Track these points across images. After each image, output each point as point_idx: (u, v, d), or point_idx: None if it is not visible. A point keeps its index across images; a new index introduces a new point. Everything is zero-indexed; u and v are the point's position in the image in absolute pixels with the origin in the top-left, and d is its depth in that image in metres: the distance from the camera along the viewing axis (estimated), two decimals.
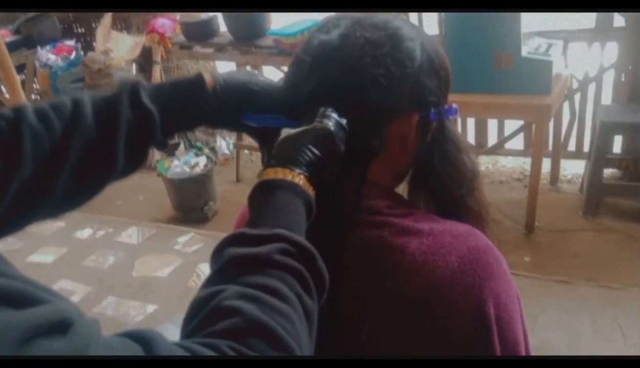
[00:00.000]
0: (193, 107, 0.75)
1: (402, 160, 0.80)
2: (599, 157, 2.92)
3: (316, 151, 0.67)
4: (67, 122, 0.69)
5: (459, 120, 3.64)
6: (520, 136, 3.56)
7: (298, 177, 0.64)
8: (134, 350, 0.46)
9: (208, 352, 0.48)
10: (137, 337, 0.47)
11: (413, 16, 3.57)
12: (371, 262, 0.72)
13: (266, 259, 0.56)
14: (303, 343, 0.54)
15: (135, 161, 0.74)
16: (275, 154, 0.67)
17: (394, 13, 0.81)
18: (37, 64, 4.41)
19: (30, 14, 4.64)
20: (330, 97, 0.71)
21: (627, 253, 2.63)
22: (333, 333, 0.69)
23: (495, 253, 0.74)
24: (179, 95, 0.75)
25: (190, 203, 3.44)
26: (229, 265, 0.57)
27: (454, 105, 0.80)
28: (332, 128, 0.69)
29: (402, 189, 0.85)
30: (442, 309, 0.70)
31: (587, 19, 3.33)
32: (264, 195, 0.63)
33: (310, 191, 0.65)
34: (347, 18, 0.76)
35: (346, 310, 0.71)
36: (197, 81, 0.75)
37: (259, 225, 0.60)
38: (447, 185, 0.80)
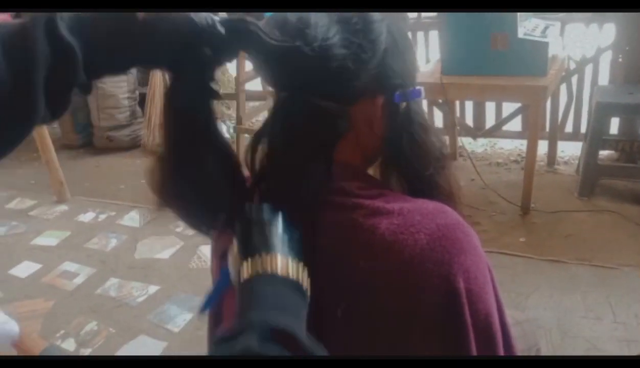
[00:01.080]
0: (121, 40, 0.64)
1: (370, 142, 0.82)
2: (595, 138, 2.94)
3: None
4: None
5: (457, 103, 3.65)
6: (519, 118, 3.57)
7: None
8: None
9: None
10: None
11: None
12: (344, 243, 0.75)
13: None
14: None
15: (57, 108, 0.62)
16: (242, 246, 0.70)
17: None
18: None
19: None
20: (296, 71, 0.73)
21: (620, 233, 2.66)
22: (312, 312, 0.71)
23: (464, 228, 0.77)
24: (105, 27, 0.63)
25: None
26: None
27: (419, 88, 0.82)
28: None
29: (374, 170, 0.89)
30: (413, 286, 0.73)
31: None
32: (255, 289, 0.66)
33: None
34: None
35: (323, 290, 0.75)
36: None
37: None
38: (416, 166, 0.83)
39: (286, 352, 0.58)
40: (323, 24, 0.73)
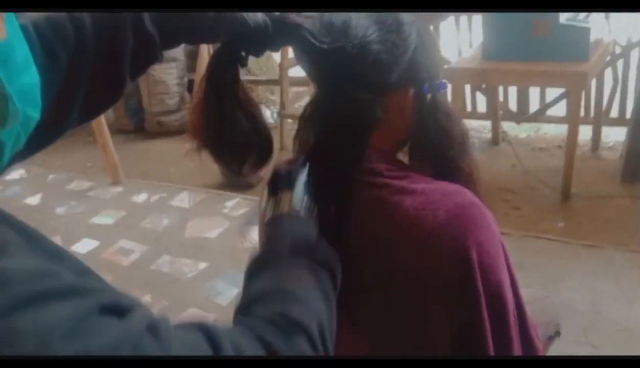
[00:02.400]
0: (190, 22, 0.80)
1: (400, 129, 0.93)
2: (638, 124, 2.91)
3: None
4: (72, 52, 0.72)
5: (501, 88, 3.65)
6: (563, 103, 3.55)
7: None
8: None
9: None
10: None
11: None
12: (372, 217, 0.86)
13: None
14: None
15: (137, 78, 0.84)
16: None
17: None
18: None
19: None
20: (339, 66, 0.83)
21: None
22: (344, 274, 0.83)
23: (480, 208, 0.87)
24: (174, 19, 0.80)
25: None
26: None
27: (444, 81, 0.93)
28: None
29: (403, 155, 0.98)
30: (431, 256, 0.83)
31: None
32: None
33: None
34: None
35: (353, 256, 0.86)
36: None
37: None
38: (440, 149, 0.93)
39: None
40: (363, 24, 0.83)
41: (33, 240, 0.54)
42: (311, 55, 0.85)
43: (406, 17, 0.87)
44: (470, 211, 0.85)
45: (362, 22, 0.83)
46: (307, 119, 0.91)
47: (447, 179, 0.91)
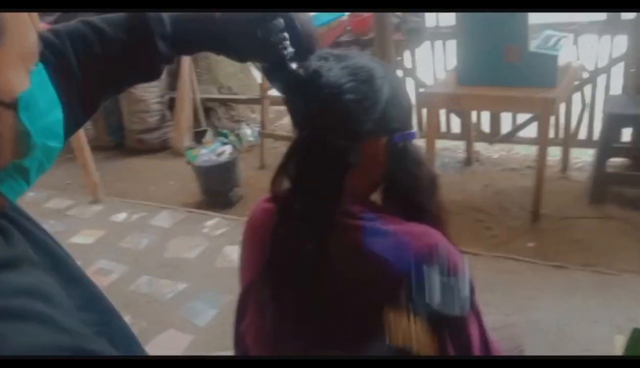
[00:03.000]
0: (201, 30, 0.90)
1: (374, 173, 1.00)
2: (604, 147, 3.04)
3: None
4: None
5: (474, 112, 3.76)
6: (535, 124, 3.66)
7: None
8: None
9: None
10: None
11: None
12: (346, 256, 0.93)
13: None
14: None
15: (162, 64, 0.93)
16: None
17: (368, 55, 1.00)
18: None
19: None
20: (319, 114, 0.91)
21: (627, 240, 2.76)
22: (320, 311, 0.90)
23: (446, 246, 0.94)
24: (193, 20, 0.90)
25: (216, 189, 3.67)
26: None
27: (414, 131, 1.00)
28: None
29: (377, 196, 1.05)
30: (402, 293, 0.90)
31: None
32: None
33: None
34: (333, 55, 0.96)
35: (328, 294, 0.93)
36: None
37: None
38: (410, 193, 1.00)
39: None
40: (335, 74, 0.90)
41: (55, 261, 0.63)
42: (292, 99, 0.93)
43: (378, 71, 0.94)
44: (438, 251, 0.91)
45: (334, 72, 0.91)
46: (286, 163, 0.97)
47: (416, 219, 0.98)
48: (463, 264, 0.94)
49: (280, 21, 0.86)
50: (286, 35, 0.87)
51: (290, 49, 0.88)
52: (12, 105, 0.56)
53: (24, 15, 0.58)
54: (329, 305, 0.92)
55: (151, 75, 0.92)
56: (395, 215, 1.00)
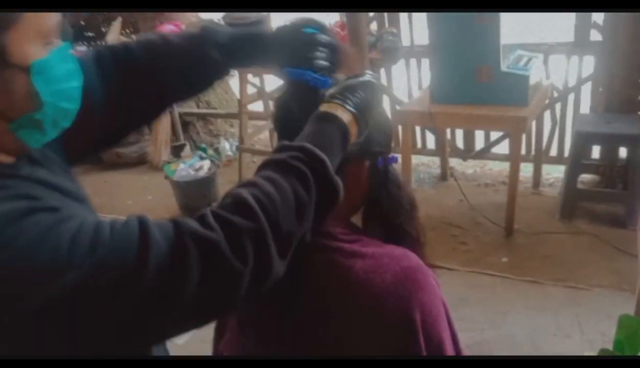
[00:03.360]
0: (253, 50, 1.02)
1: (356, 195, 1.03)
2: (574, 164, 3.13)
3: (364, 96, 0.90)
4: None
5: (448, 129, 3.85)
6: (507, 140, 3.75)
7: (345, 113, 0.86)
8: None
9: (192, 222, 0.72)
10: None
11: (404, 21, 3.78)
12: (326, 278, 0.96)
13: (281, 160, 0.78)
14: (280, 218, 0.73)
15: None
16: (335, 94, 0.89)
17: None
18: None
19: None
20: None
21: (596, 255, 2.85)
22: (299, 331, 0.92)
23: (423, 270, 0.97)
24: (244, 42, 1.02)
25: (195, 204, 3.67)
26: (263, 164, 0.82)
27: (395, 155, 1.04)
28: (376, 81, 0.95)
29: (358, 218, 1.09)
30: (379, 316, 0.93)
31: (567, 33, 3.52)
32: (315, 122, 0.86)
33: (352, 125, 0.86)
34: None
35: (307, 314, 0.95)
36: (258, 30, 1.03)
37: (300, 141, 0.82)
38: (389, 215, 1.03)
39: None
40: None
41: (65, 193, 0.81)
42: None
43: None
44: (414, 275, 0.94)
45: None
46: None
47: (395, 241, 1.01)
48: (437, 287, 0.98)
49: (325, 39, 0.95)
50: (325, 51, 0.96)
51: (324, 63, 0.95)
52: (26, 69, 0.70)
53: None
54: (307, 326, 0.95)
55: (203, 84, 1.05)
56: (375, 236, 1.04)
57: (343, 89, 0.90)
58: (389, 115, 4.30)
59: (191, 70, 1.01)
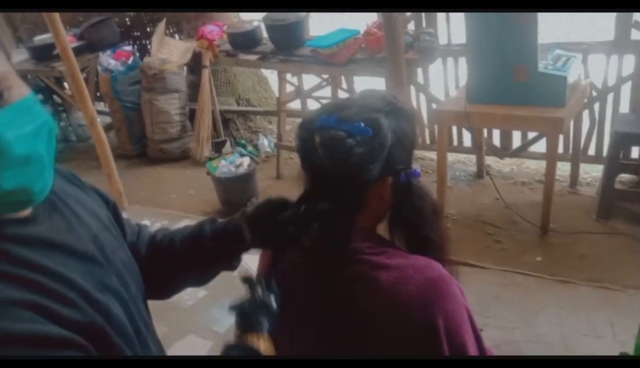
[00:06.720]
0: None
1: (380, 210, 1.09)
2: (612, 164, 3.12)
3: None
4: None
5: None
6: (544, 139, 3.74)
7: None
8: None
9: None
10: None
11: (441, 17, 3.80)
12: (353, 289, 1.03)
13: None
14: None
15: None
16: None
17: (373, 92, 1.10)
18: (99, 68, 4.84)
19: (93, 20, 5.06)
20: (328, 174, 1.01)
21: (632, 256, 2.83)
22: (332, 335, 1.00)
23: (446, 279, 1.03)
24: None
25: (235, 199, 3.80)
26: None
27: (418, 169, 1.09)
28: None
29: (384, 228, 1.16)
30: (404, 324, 1.00)
31: (607, 32, 3.48)
32: None
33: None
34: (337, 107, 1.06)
35: (340, 321, 1.03)
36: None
37: None
38: (413, 226, 1.09)
39: None
40: (341, 139, 0.99)
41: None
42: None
43: (383, 119, 1.02)
44: (437, 285, 1.01)
45: (339, 136, 0.99)
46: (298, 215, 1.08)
47: (420, 250, 1.08)
48: (460, 294, 1.04)
49: None
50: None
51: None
52: None
53: None
54: (340, 331, 1.02)
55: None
56: (400, 246, 1.11)
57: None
58: (425, 115, 4.31)
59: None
